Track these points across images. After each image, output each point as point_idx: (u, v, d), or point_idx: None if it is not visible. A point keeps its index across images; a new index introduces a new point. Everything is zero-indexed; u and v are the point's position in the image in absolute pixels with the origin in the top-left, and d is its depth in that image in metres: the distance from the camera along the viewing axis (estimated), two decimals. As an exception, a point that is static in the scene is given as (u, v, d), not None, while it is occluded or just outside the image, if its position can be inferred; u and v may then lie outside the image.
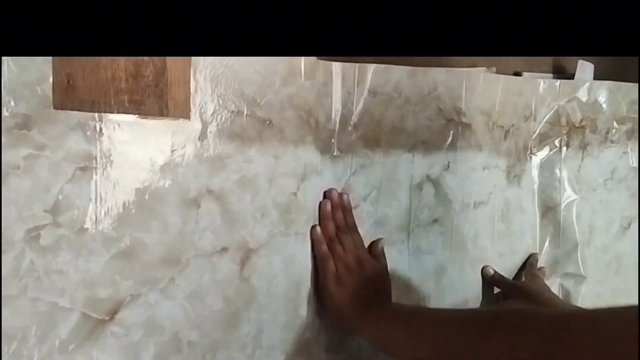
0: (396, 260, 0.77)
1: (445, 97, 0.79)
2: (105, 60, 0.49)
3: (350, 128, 0.70)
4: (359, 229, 0.72)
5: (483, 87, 0.83)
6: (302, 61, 0.64)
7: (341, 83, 0.68)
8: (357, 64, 0.70)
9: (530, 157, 0.93)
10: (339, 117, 0.68)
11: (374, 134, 0.73)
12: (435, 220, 0.82)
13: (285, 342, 0.65)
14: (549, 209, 0.97)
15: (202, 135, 0.57)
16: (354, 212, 0.71)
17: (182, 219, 0.56)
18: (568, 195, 0.98)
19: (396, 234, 0.77)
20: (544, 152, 0.95)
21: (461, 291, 0.86)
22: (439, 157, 0.80)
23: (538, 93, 0.92)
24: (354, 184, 0.72)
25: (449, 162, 0.82)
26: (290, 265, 0.65)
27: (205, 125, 0.57)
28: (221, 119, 0.58)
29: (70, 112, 0.49)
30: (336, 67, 0.68)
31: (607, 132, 1.00)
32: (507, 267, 0.91)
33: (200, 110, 0.56)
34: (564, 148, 0.97)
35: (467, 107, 0.82)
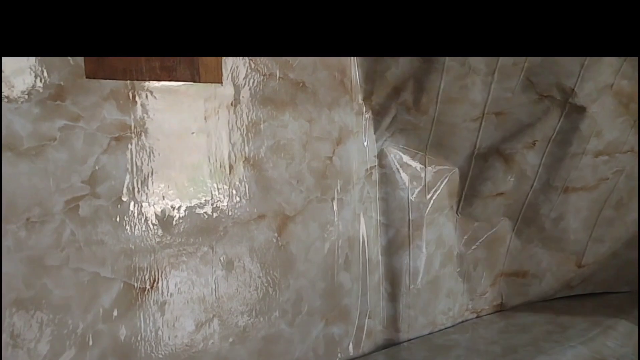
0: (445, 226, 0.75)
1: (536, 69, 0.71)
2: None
3: (389, 90, 0.68)
4: (393, 192, 0.70)
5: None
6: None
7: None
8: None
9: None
10: (378, 78, 0.66)
11: (422, 102, 0.69)
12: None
13: (325, 308, 0.65)
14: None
15: (235, 101, 0.56)
16: (392, 176, 0.70)
17: (218, 187, 0.55)
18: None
19: (446, 200, 0.75)
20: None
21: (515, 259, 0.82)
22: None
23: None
24: (391, 147, 0.70)
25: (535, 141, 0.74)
26: (327, 231, 0.64)
27: (237, 90, 0.55)
28: (254, 82, 0.56)
29: (102, 81, 0.48)
30: None
31: None
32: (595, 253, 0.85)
33: (232, 74, 0.55)
34: None
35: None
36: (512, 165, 0.75)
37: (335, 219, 0.65)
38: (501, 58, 0.70)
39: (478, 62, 0.70)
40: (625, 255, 0.87)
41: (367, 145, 0.68)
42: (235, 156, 0.56)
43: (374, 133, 0.69)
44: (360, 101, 0.67)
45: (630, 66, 0.70)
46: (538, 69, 0.70)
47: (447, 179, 0.75)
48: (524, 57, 0.70)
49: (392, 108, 0.69)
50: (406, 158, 0.72)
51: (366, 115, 0.68)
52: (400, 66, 0.66)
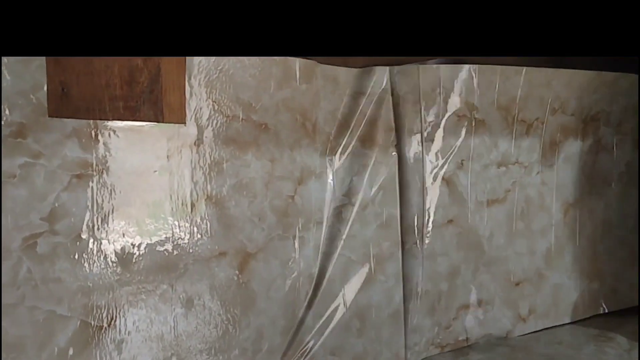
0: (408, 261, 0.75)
1: (455, 92, 0.76)
2: (99, 67, 0.49)
3: (349, 130, 0.68)
4: (364, 230, 0.71)
5: (501, 81, 0.80)
6: (297, 64, 0.62)
7: (338, 86, 0.67)
8: (353, 69, 0.68)
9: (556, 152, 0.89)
10: (338, 119, 0.67)
11: (371, 134, 0.71)
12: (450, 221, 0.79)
13: (286, 346, 0.65)
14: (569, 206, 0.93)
15: (198, 140, 0.56)
16: (361, 213, 0.70)
17: (179, 225, 0.56)
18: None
19: (407, 236, 0.76)
20: (568, 146, 0.91)
21: (475, 290, 0.83)
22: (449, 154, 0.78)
23: (566, 84, 0.88)
24: (358, 185, 0.70)
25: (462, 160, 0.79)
26: (288, 268, 0.64)
27: (201, 130, 0.56)
28: (217, 123, 0.57)
29: (65, 119, 0.49)
30: (334, 70, 0.66)
31: (618, 125, 0.95)
32: (525, 268, 0.88)
33: (195, 115, 0.56)
34: (583, 143, 0.92)
35: (481, 103, 0.78)
36: (452, 188, 0.78)
37: (297, 256, 0.65)
38: (418, 84, 0.74)
39: (406, 90, 0.74)
40: (547, 274, 0.92)
41: (334, 184, 0.68)
42: (197, 194, 0.57)
43: (340, 172, 0.69)
44: (325, 142, 0.67)
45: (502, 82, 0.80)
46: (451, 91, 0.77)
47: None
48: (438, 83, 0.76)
49: (355, 145, 0.70)
50: (370, 195, 0.72)
51: (334, 155, 0.68)
52: (354, 105, 0.68)
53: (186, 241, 0.56)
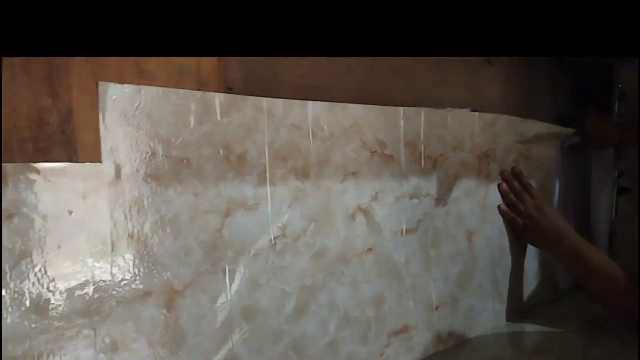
0: (337, 290, 0.77)
1: (367, 131, 0.81)
2: (5, 109, 0.48)
3: (280, 161, 0.70)
4: (298, 261, 0.72)
5: (404, 121, 0.86)
6: (217, 99, 0.64)
7: (269, 118, 0.69)
8: (281, 100, 0.71)
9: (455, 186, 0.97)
10: (269, 151, 0.69)
11: (303, 167, 0.73)
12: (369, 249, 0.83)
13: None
14: (471, 234, 1.00)
15: (116, 179, 0.56)
16: (293, 245, 0.72)
17: (100, 266, 0.54)
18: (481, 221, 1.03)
19: (336, 265, 0.78)
20: (465, 181, 0.99)
21: (400, 316, 0.86)
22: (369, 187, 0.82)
23: (462, 124, 0.97)
24: (291, 217, 0.72)
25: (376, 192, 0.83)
26: (219, 303, 0.64)
27: (118, 168, 0.56)
28: (135, 160, 0.57)
29: (-31, 164, 0.48)
30: (264, 102, 0.68)
31: (501, 161, 1.07)
32: (440, 293, 0.93)
33: (112, 153, 0.55)
34: (478, 177, 1.02)
35: (389, 139, 0.84)
36: (370, 219, 0.82)
37: (228, 291, 0.65)
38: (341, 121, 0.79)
39: (330, 126, 0.79)
40: (461, 297, 0.97)
41: (270, 216, 0.69)
42: (117, 233, 0.56)
43: (275, 203, 0.71)
44: (258, 174, 0.68)
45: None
46: (365, 129, 0.81)
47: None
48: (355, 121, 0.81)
49: (286, 178, 0.72)
50: (303, 227, 0.74)
51: (265, 187, 0.69)
52: (283, 137, 0.70)
53: (108, 283, 0.54)
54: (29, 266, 0.50)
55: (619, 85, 1.32)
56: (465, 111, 1.05)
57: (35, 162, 0.50)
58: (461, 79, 1.08)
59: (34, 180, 0.50)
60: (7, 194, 0.49)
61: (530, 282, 1.16)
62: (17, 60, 0.49)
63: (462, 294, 0.99)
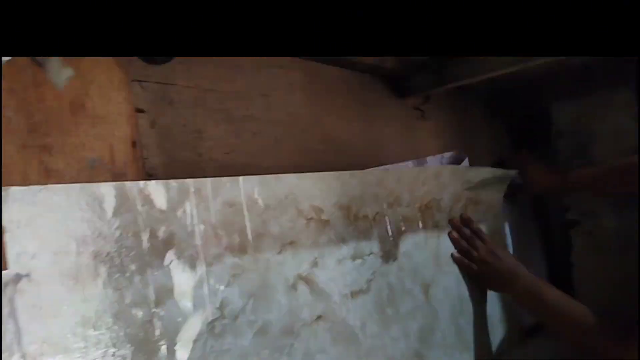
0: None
1: (302, 199, 0.81)
2: None
3: (214, 240, 0.69)
4: (240, 341, 0.70)
5: (339, 185, 0.86)
6: (135, 189, 0.63)
7: (198, 199, 0.68)
8: (209, 179, 0.71)
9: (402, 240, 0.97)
10: (201, 230, 0.68)
11: (240, 242, 0.72)
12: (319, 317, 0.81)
13: None
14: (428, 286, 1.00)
15: (27, 284, 0.54)
16: (233, 325, 0.70)
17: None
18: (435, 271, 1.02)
19: (283, 339, 0.75)
20: (412, 234, 0.99)
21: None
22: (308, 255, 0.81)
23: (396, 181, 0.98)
24: (229, 296, 0.70)
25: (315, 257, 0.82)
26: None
27: (29, 272, 0.54)
28: (47, 262, 0.55)
29: None
30: (190, 184, 0.68)
31: (450, 210, 1.08)
32: (403, 352, 0.91)
33: (21, 257, 0.54)
34: (425, 229, 1.02)
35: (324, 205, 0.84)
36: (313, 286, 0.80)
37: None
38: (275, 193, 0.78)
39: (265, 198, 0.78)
40: (425, 353, 0.96)
41: (205, 298, 0.67)
42: (31, 341, 0.53)
43: (212, 284, 0.69)
44: (192, 256, 0.67)
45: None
46: (300, 197, 0.80)
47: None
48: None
49: (222, 256, 0.71)
50: (242, 305, 0.72)
51: (200, 268, 0.68)
52: (216, 215, 0.70)
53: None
54: None
55: (553, 126, 1.35)
56: (406, 165, 1.07)
57: None
58: (397, 135, 1.10)
59: None
60: None
61: (496, 326, 1.14)
62: None
63: (427, 350, 0.96)
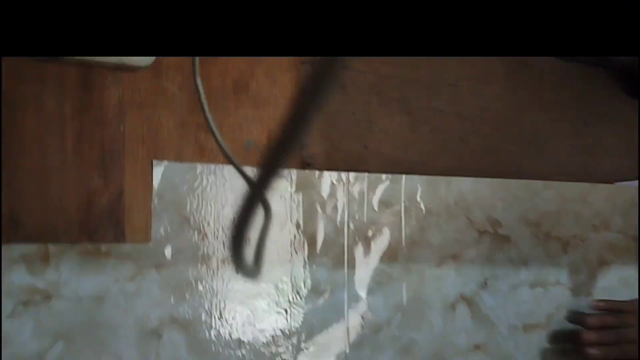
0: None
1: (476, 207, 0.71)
2: (53, 190, 0.50)
3: (363, 241, 0.64)
4: (379, 356, 0.64)
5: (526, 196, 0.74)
6: (289, 176, 0.60)
7: (349, 194, 0.64)
8: (366, 174, 0.66)
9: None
10: (349, 230, 0.63)
11: (391, 248, 0.66)
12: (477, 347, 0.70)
13: None
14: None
15: (165, 260, 0.54)
16: (373, 338, 0.64)
17: (140, 354, 0.52)
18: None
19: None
20: (619, 267, 0.81)
21: None
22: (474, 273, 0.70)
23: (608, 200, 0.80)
24: (372, 304, 0.64)
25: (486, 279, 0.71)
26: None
27: (169, 249, 0.54)
28: (188, 241, 0.55)
29: (12, 245, 0.49)
30: (342, 176, 0.63)
31: None
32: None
33: (163, 233, 0.54)
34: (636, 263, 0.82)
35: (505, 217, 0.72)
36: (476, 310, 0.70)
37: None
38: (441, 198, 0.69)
39: (428, 203, 0.69)
40: None
41: (346, 302, 0.63)
42: (163, 319, 0.53)
43: (355, 289, 0.64)
44: (337, 255, 0.63)
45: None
46: (474, 205, 0.70)
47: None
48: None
49: (369, 259, 0.65)
50: (387, 316, 0.65)
51: (344, 270, 0.63)
52: (367, 215, 0.64)
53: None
54: (67, 351, 0.50)
55: None
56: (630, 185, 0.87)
57: (82, 242, 0.51)
58: (620, 144, 0.90)
59: (78, 261, 0.51)
60: (48, 275, 0.50)
61: None
62: (70, 143, 0.50)
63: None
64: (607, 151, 0.88)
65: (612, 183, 0.83)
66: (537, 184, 0.75)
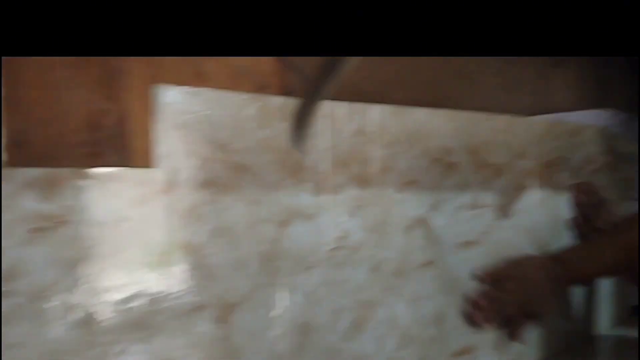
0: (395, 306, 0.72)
1: (432, 136, 0.76)
2: (59, 112, 0.46)
3: (341, 168, 0.67)
4: (357, 274, 0.68)
5: (470, 126, 0.81)
6: (276, 102, 0.61)
7: (329, 123, 0.65)
8: (346, 103, 0.68)
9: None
10: (329, 157, 0.65)
11: (365, 173, 0.69)
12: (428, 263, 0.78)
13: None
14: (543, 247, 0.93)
15: (171, 185, 0.53)
16: (353, 255, 0.68)
17: (153, 277, 0.51)
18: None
19: (394, 279, 0.73)
20: (533, 190, 0.92)
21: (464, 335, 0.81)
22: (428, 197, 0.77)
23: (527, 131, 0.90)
24: (352, 227, 0.68)
25: None
26: (276, 318, 0.60)
27: (174, 173, 0.53)
28: (192, 166, 0.54)
29: (21, 169, 0.45)
30: (326, 106, 0.65)
31: (577, 171, 0.98)
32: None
33: (168, 157, 0.53)
34: (545, 188, 0.94)
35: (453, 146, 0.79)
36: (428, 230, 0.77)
37: (286, 305, 0.61)
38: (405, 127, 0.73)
39: (395, 131, 0.73)
40: None
41: (328, 225, 0.66)
42: (172, 243, 0.53)
43: (335, 213, 0.67)
44: (317, 181, 0.65)
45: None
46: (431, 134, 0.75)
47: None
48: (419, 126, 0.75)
49: (346, 185, 0.68)
50: (363, 237, 0.69)
51: (324, 196, 0.66)
52: (345, 143, 0.67)
53: (160, 295, 0.52)
54: (77, 277, 0.48)
55: None
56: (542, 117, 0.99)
57: (87, 167, 0.48)
58: (529, 83, 1.01)
59: (85, 186, 0.48)
60: (57, 200, 0.46)
61: (602, 300, 1.08)
62: (74, 60, 0.47)
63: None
64: (524, 88, 0.99)
65: (528, 116, 0.94)
66: (477, 115, 0.82)
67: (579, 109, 1.03)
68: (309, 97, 0.29)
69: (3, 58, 0.43)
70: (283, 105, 0.61)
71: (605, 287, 1.08)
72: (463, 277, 0.82)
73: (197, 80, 0.55)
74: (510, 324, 0.67)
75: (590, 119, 1.02)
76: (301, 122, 0.32)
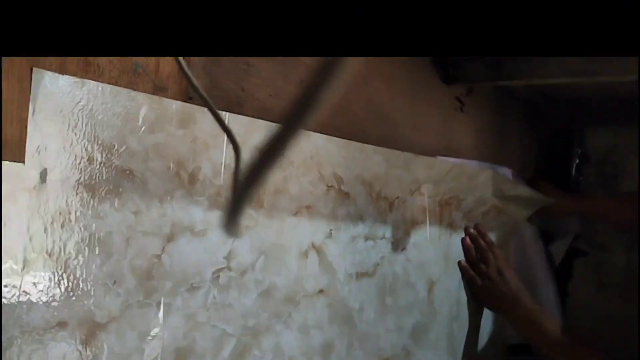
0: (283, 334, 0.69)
1: (326, 163, 0.75)
2: None
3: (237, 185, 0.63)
4: (244, 299, 0.64)
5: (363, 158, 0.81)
6: (174, 107, 0.57)
7: (226, 138, 0.62)
8: (247, 118, 0.65)
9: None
10: (226, 171, 0.62)
11: (258, 195, 0.66)
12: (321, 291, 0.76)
13: None
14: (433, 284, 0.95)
15: (40, 184, 0.47)
16: (240, 279, 0.64)
17: (6, 288, 0.45)
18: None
19: (283, 306, 0.70)
20: (426, 227, 0.94)
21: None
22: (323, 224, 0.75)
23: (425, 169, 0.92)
24: (238, 247, 0.64)
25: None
26: (149, 341, 0.55)
27: (44, 171, 0.47)
28: (66, 165, 0.48)
29: None
30: (227, 117, 0.61)
31: (469, 211, 1.02)
32: (393, 344, 0.86)
33: (39, 153, 0.47)
34: (440, 225, 0.97)
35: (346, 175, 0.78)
36: (323, 258, 0.75)
37: (161, 327, 0.56)
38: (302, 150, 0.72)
39: (292, 153, 0.72)
40: (414, 350, 0.91)
41: (216, 244, 0.61)
42: (33, 249, 0.46)
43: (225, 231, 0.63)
44: (210, 196, 0.61)
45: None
46: (325, 161, 0.74)
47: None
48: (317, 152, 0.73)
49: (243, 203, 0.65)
50: (251, 260, 0.66)
51: (216, 212, 0.62)
52: (243, 160, 0.63)
53: (14, 309, 0.45)
54: None
55: (579, 150, 1.31)
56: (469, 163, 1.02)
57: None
58: (434, 123, 1.04)
59: None
60: None
61: (483, 339, 1.11)
62: None
63: (417, 348, 0.92)
64: (429, 128, 1.01)
65: (432, 156, 0.96)
66: (368, 148, 0.82)
67: (476, 158, 1.08)
68: (248, 180, 0.26)
69: None
70: (181, 111, 0.57)
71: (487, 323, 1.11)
72: (355, 308, 0.81)
73: (85, 70, 0.49)
74: None
75: (485, 168, 1.07)
76: (237, 206, 0.30)
